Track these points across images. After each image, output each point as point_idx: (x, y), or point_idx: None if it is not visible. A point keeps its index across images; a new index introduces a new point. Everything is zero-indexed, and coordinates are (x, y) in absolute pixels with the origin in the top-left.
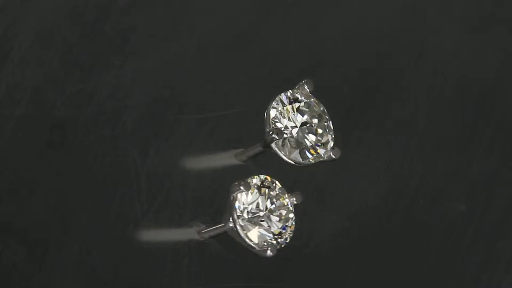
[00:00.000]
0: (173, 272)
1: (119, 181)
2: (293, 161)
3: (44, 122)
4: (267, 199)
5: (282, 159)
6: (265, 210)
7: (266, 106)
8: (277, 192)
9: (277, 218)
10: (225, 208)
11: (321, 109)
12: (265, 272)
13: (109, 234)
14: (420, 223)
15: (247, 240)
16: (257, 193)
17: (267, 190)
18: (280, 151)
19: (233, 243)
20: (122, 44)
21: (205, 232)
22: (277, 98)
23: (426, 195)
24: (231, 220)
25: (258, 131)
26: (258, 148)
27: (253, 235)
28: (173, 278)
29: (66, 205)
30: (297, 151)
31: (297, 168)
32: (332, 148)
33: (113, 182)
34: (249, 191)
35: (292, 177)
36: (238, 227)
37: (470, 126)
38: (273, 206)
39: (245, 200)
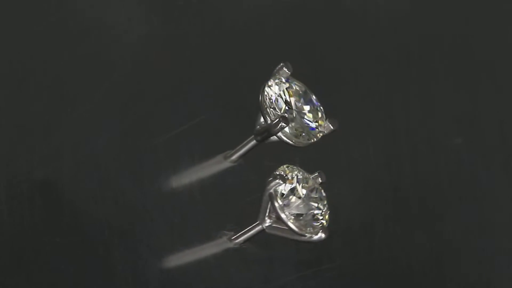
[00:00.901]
0: (226, 285)
1: (131, 219)
2: (301, 144)
3: (29, 186)
4: (300, 185)
5: (291, 145)
6: (302, 196)
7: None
8: (304, 176)
9: (315, 200)
10: (260, 207)
11: (304, 86)
12: (312, 257)
13: (147, 272)
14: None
15: (297, 230)
16: (290, 182)
17: (296, 177)
18: (289, 138)
19: (269, 239)
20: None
21: (237, 237)
22: (265, 86)
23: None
24: (266, 218)
25: (234, 131)
26: (249, 144)
27: (301, 224)
28: None
29: (92, 257)
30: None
31: (296, 150)
32: (327, 120)
33: (126, 223)
34: (283, 183)
35: (287, 162)
36: (285, 219)
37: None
38: (306, 190)
39: (281, 192)
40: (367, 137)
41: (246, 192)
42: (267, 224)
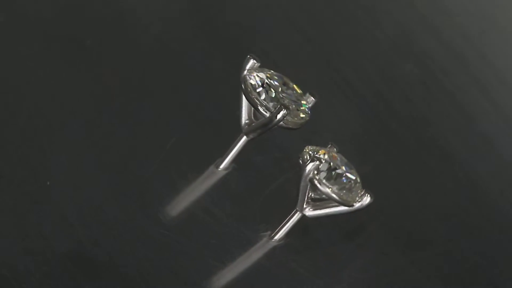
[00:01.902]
0: (292, 280)
1: (173, 259)
2: (298, 125)
3: (56, 260)
4: (331, 159)
5: (291, 129)
6: (338, 169)
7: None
8: (328, 150)
9: (347, 167)
10: (298, 194)
11: (271, 70)
12: (355, 225)
13: None
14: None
15: (345, 202)
16: (323, 159)
17: (324, 153)
18: (289, 124)
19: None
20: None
21: (276, 233)
22: (246, 81)
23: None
24: (305, 205)
25: (214, 138)
26: (237, 146)
27: (349, 197)
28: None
29: None
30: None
31: (282, 136)
32: (307, 94)
33: (170, 264)
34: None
35: (279, 149)
36: (334, 196)
37: None
38: (337, 162)
39: (319, 171)
40: (332, 98)
41: (255, 191)
42: (307, 210)
